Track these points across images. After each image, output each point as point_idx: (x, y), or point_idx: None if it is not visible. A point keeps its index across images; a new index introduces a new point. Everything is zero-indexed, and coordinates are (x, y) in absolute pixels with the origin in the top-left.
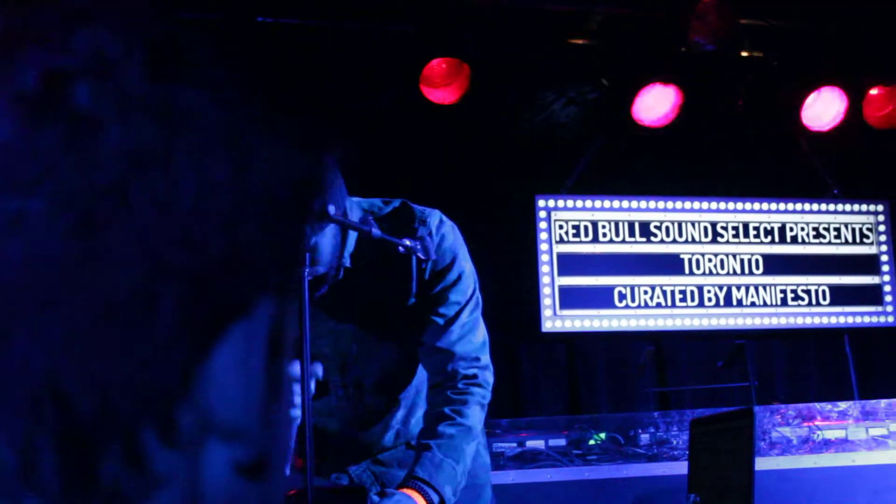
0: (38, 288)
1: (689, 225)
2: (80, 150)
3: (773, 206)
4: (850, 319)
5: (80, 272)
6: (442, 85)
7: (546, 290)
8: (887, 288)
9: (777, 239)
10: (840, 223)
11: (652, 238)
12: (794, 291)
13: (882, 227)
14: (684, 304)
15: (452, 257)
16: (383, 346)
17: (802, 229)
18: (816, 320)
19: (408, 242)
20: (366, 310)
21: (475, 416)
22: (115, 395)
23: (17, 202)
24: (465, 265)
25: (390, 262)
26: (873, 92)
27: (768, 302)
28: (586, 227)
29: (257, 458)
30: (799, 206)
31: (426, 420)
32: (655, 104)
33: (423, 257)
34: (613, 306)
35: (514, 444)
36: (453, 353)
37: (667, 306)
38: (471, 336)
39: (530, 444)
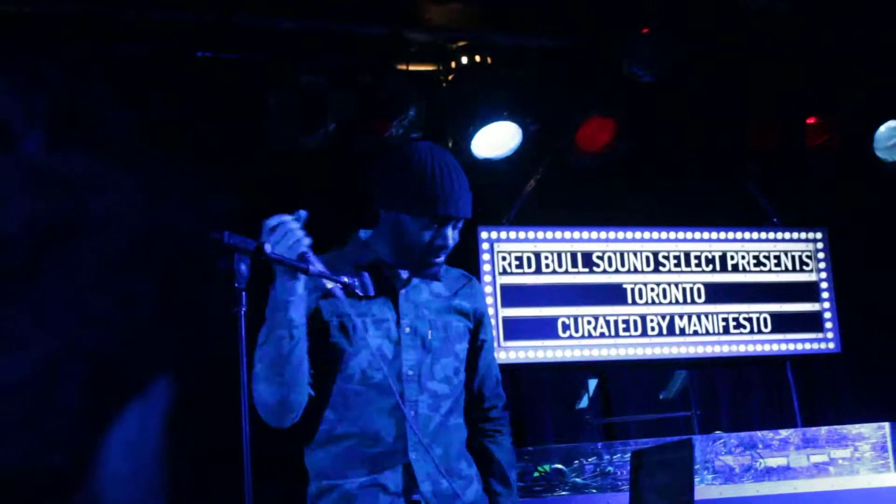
0: None
1: (632, 255)
2: None
3: (715, 234)
4: (791, 346)
5: None
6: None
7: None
8: (827, 315)
9: (718, 267)
10: (780, 251)
11: (594, 268)
12: (735, 319)
13: (821, 255)
14: (627, 333)
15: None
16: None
17: (743, 258)
18: (758, 348)
19: (345, 279)
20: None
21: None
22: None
23: None
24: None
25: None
26: (810, 121)
27: (710, 330)
28: (529, 259)
29: None
30: (739, 235)
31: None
32: (595, 135)
33: (360, 294)
34: (557, 337)
35: None
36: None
37: (610, 336)
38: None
39: None
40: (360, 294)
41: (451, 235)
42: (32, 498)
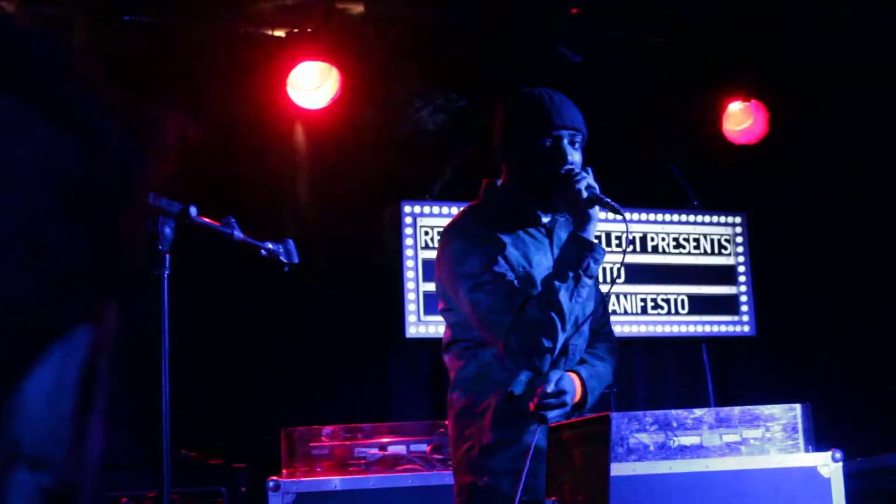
0: None
1: None
2: None
3: (636, 215)
4: (707, 328)
5: None
6: (310, 89)
7: (411, 296)
8: (744, 298)
9: (639, 248)
10: (700, 234)
11: None
12: (654, 300)
13: (739, 239)
14: None
15: None
16: None
17: (663, 239)
18: (675, 329)
19: (270, 246)
20: None
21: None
22: None
23: None
24: None
25: None
26: (733, 106)
27: (629, 310)
28: None
29: (63, 486)
30: (661, 217)
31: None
32: None
33: (285, 261)
34: None
35: (377, 449)
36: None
37: None
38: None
39: (392, 448)
40: (285, 260)
41: (570, 151)
42: None
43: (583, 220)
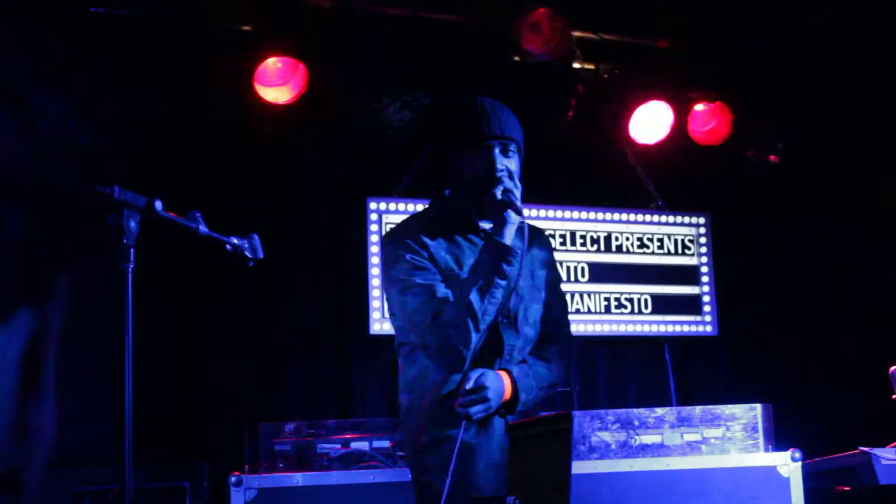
0: None
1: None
2: None
3: (600, 215)
4: (670, 328)
5: None
6: (277, 84)
7: (375, 293)
8: (706, 298)
9: (603, 247)
10: (663, 234)
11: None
12: (617, 299)
13: (703, 239)
14: None
15: None
16: None
17: (627, 239)
18: (638, 328)
19: (235, 241)
20: None
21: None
22: None
23: None
24: None
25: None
26: (698, 108)
27: (592, 309)
28: None
29: (7, 473)
30: (625, 217)
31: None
32: None
33: (249, 256)
34: None
35: (339, 446)
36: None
37: None
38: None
39: (355, 445)
40: (249, 256)
41: (500, 159)
42: None
43: (498, 224)
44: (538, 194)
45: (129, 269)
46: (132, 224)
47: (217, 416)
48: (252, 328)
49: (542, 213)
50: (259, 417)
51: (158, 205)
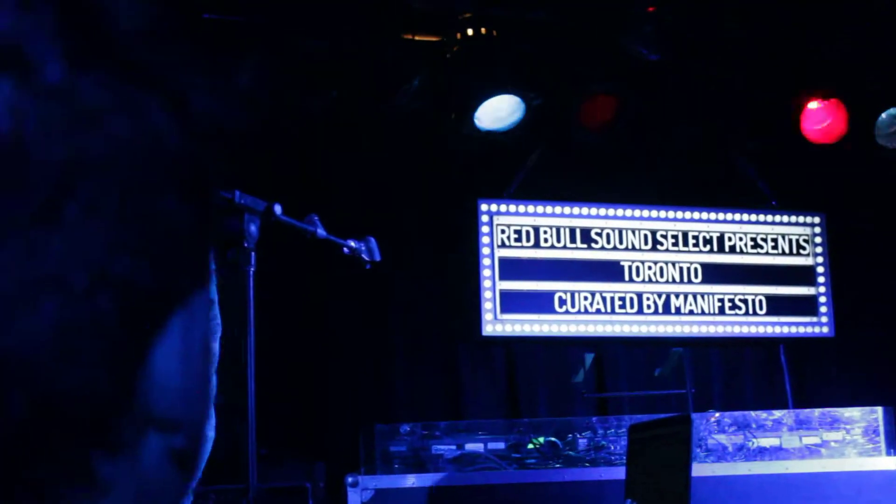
0: None
1: (630, 232)
2: (8, 175)
3: (713, 215)
4: (785, 329)
5: (23, 299)
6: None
7: (487, 294)
8: (822, 299)
9: (716, 248)
10: (777, 234)
11: (593, 244)
12: (731, 300)
13: (818, 239)
14: (623, 310)
15: None
16: None
17: (741, 239)
18: (753, 329)
19: (352, 244)
20: None
21: None
22: (61, 404)
23: None
24: None
25: None
26: (812, 105)
27: (706, 310)
28: (528, 232)
29: (189, 447)
30: (738, 217)
31: None
32: (597, 111)
33: (366, 258)
34: (554, 311)
35: (454, 447)
36: None
37: (606, 313)
38: None
39: (469, 447)
40: (366, 258)
41: None
42: (84, 422)
43: None
44: (651, 196)
45: (251, 272)
46: (252, 228)
47: (332, 416)
48: (366, 329)
49: (654, 213)
50: (373, 418)
51: (278, 209)
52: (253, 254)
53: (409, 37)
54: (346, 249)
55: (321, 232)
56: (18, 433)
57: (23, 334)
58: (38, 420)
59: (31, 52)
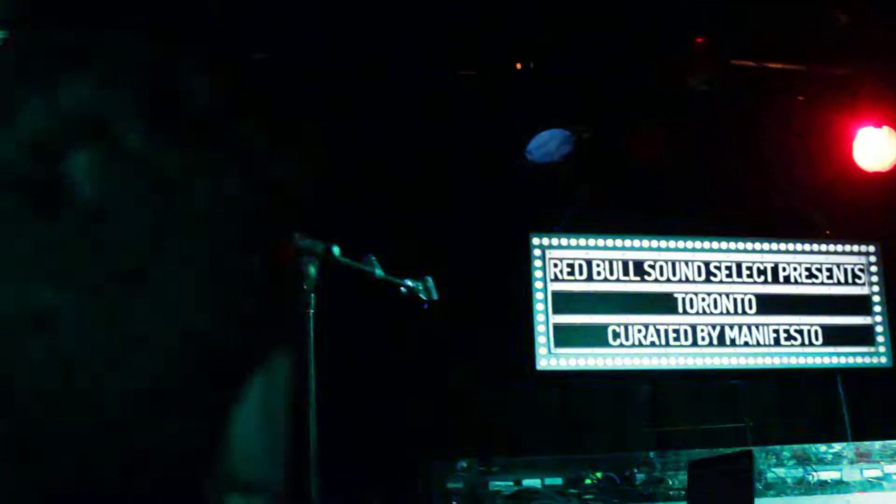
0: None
1: (683, 264)
2: (97, 238)
3: (766, 245)
4: (842, 360)
5: (113, 358)
6: None
7: (541, 329)
8: (879, 328)
9: (770, 279)
10: (832, 263)
11: (646, 277)
12: (786, 331)
13: (874, 268)
14: (678, 343)
15: None
16: None
17: (795, 269)
18: (809, 360)
19: (410, 283)
20: None
21: None
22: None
23: (48, 296)
24: None
25: None
26: (865, 134)
27: (761, 342)
28: (580, 266)
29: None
30: (792, 247)
31: None
32: (648, 143)
33: (424, 298)
34: (608, 345)
35: (511, 483)
36: None
37: (661, 345)
38: None
39: (527, 482)
40: (424, 298)
41: None
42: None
43: None
44: (704, 227)
45: (310, 315)
46: (311, 269)
47: (390, 454)
48: (421, 366)
49: (707, 244)
50: (429, 454)
51: (336, 250)
52: (312, 295)
53: (464, 73)
54: (403, 289)
55: (379, 272)
56: (107, 490)
57: (112, 393)
58: (126, 478)
59: (115, 123)
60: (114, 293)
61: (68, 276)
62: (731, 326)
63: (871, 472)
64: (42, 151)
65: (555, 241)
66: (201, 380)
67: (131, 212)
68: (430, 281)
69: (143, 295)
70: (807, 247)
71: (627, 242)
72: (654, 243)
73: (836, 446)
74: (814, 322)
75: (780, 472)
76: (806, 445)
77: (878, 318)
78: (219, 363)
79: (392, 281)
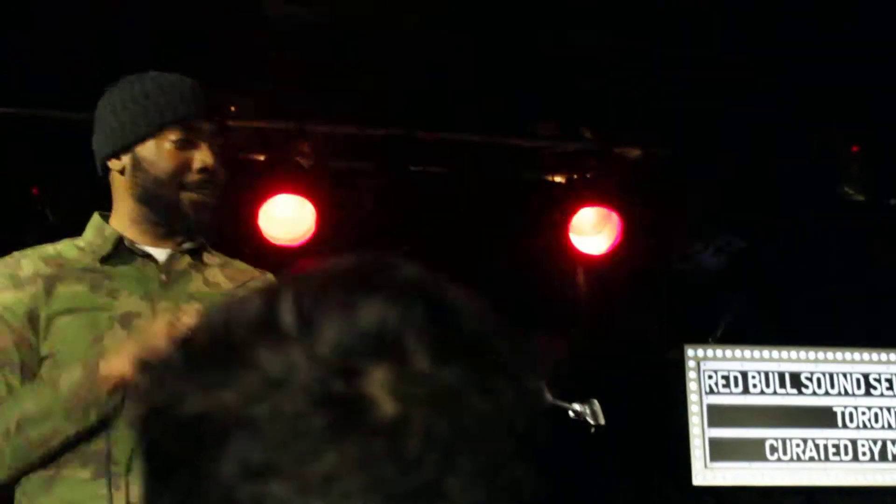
0: None
1: (842, 376)
2: (396, 454)
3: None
4: None
5: None
6: (591, 233)
7: (696, 442)
8: None
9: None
10: None
11: (803, 389)
12: None
13: None
14: (837, 458)
15: None
16: None
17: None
18: None
19: (577, 407)
20: None
21: None
22: None
23: None
24: None
25: None
26: None
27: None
28: (736, 378)
29: None
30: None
31: None
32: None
33: (591, 422)
34: (765, 459)
35: None
36: None
37: (819, 460)
38: None
39: None
40: (592, 422)
41: (204, 153)
42: None
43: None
44: (861, 338)
45: None
46: None
47: None
48: (584, 483)
49: (866, 356)
50: None
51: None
52: None
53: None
54: (571, 413)
55: (548, 397)
56: None
57: None
58: None
59: (405, 341)
60: None
61: (373, 489)
62: (894, 441)
63: None
64: (341, 368)
65: (710, 353)
66: None
67: (427, 427)
68: (596, 404)
69: None
70: None
71: (784, 354)
72: (812, 355)
73: None
74: None
75: None
76: None
77: None
78: None
79: (560, 405)
